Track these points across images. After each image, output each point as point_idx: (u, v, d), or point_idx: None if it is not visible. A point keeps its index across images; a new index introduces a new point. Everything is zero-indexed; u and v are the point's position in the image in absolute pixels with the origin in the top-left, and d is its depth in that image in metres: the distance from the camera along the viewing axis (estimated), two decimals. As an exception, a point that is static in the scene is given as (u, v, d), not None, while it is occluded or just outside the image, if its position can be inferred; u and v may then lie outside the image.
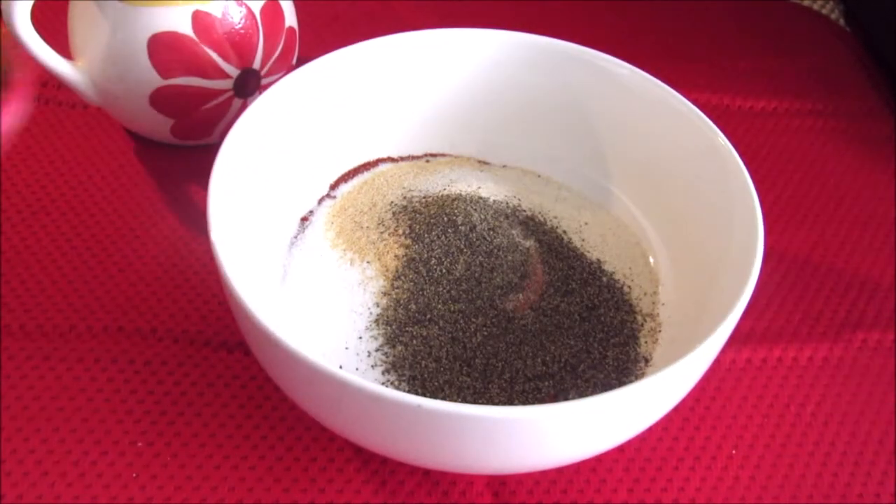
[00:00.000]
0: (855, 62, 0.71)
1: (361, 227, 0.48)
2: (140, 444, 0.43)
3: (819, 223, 0.57)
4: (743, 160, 0.45)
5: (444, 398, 0.41)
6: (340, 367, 0.42)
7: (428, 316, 0.43)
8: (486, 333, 0.43)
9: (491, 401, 0.41)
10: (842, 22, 0.77)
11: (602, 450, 0.41)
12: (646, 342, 0.45)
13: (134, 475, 0.41)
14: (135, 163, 0.56)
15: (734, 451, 0.45)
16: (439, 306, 0.44)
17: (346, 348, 0.43)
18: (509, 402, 0.41)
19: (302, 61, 0.49)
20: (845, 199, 0.59)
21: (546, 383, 0.42)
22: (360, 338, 0.43)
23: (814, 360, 0.49)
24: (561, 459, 0.40)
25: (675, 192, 0.48)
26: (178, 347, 0.46)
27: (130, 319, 0.47)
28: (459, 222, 0.46)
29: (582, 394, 0.42)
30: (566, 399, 0.42)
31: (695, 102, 0.48)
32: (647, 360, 0.45)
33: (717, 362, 0.48)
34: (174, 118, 0.52)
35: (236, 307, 0.37)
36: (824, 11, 0.78)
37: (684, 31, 0.73)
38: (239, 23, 0.51)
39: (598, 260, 0.49)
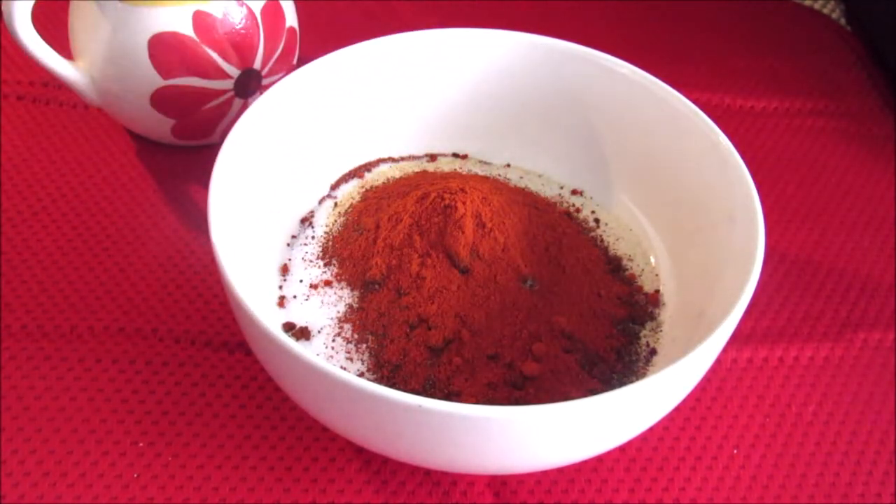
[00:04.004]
0: (855, 62, 0.71)
1: (362, 228, 0.48)
2: (141, 444, 0.43)
3: (820, 223, 0.57)
4: (744, 160, 0.45)
5: (446, 397, 0.41)
6: (342, 367, 0.42)
7: (427, 312, 0.43)
8: (485, 329, 0.43)
9: (490, 396, 0.41)
10: (843, 22, 0.77)
11: (603, 450, 0.41)
12: (647, 342, 0.45)
13: (135, 475, 0.41)
14: (136, 163, 0.56)
15: (735, 452, 0.45)
16: (438, 304, 0.44)
17: (347, 345, 0.43)
18: (505, 400, 0.41)
19: (303, 61, 0.49)
20: (846, 199, 0.59)
21: (546, 383, 0.42)
22: (360, 335, 0.44)
23: (815, 361, 0.49)
24: (562, 460, 0.40)
25: (675, 191, 0.48)
26: (180, 347, 0.46)
27: (131, 319, 0.47)
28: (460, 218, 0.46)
29: (583, 394, 0.42)
30: (567, 399, 0.42)
31: (696, 102, 0.48)
32: (647, 360, 0.45)
33: (718, 362, 0.48)
34: (175, 118, 0.53)
35: (237, 308, 0.37)
36: (825, 11, 0.78)
37: (686, 31, 0.73)
38: (240, 23, 0.51)
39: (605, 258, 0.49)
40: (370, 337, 0.44)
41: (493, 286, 0.44)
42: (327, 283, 0.46)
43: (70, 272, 0.49)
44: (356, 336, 0.44)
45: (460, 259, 0.45)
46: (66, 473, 0.41)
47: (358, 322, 0.44)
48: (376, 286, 0.45)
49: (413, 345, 0.42)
